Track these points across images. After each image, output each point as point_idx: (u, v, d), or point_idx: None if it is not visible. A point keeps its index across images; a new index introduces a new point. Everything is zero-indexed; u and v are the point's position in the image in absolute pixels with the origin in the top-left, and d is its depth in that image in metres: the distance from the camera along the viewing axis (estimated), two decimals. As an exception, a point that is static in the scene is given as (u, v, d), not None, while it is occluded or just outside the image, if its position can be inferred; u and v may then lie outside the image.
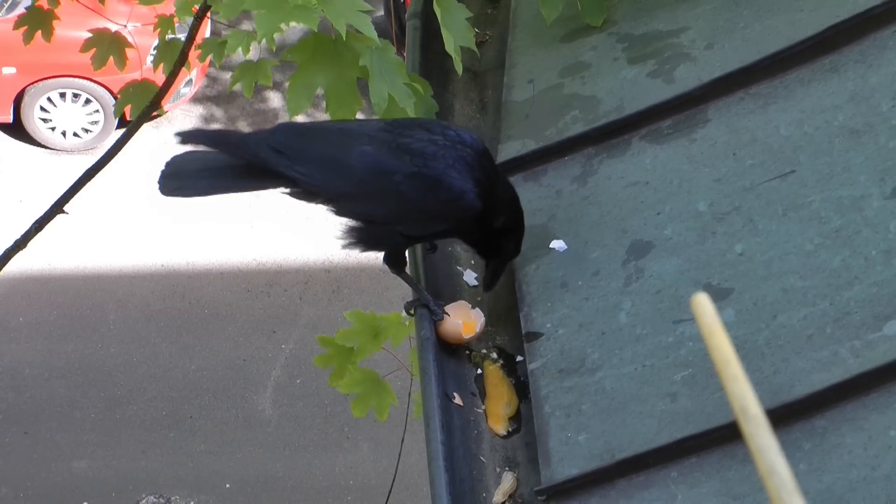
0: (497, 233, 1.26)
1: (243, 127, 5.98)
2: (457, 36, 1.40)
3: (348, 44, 1.33)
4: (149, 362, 4.81)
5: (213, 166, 1.25)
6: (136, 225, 5.35)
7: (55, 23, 2.29)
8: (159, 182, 1.24)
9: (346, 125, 1.27)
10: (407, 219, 1.23)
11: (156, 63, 2.32)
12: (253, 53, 2.28)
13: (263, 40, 1.35)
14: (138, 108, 2.25)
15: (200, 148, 1.25)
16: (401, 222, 1.23)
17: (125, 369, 4.78)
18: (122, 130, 5.69)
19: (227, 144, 1.23)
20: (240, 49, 2.30)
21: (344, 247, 1.25)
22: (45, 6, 2.24)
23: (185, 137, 1.24)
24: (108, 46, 2.27)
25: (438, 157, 1.20)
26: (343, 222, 1.25)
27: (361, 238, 1.24)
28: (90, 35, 2.30)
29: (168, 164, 1.25)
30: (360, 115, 1.54)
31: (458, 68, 1.42)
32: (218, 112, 6.06)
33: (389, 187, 1.20)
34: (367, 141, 1.21)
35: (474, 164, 1.21)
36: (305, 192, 1.23)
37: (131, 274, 5.18)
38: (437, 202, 1.21)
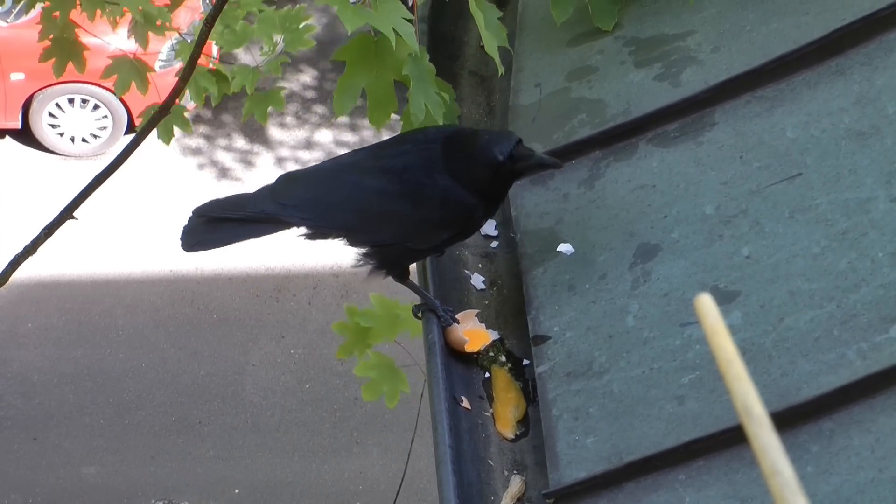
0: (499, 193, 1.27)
1: (246, 130, 6.02)
2: (493, 37, 1.42)
3: (388, 47, 1.36)
4: (157, 368, 4.84)
5: (228, 217, 1.32)
6: (144, 230, 5.40)
7: (85, 53, 2.29)
8: (181, 239, 1.31)
9: (340, 161, 1.34)
10: (413, 234, 1.27)
11: (177, 55, 2.38)
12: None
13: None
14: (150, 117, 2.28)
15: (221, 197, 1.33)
16: (409, 239, 1.27)
17: (134, 375, 4.81)
18: (130, 136, 5.73)
19: (239, 209, 1.30)
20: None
21: (368, 276, 1.31)
22: (74, 37, 2.24)
23: (201, 212, 1.32)
24: (128, 71, 2.31)
25: (410, 168, 1.24)
26: (357, 251, 1.30)
27: (379, 262, 1.29)
28: (110, 61, 2.33)
29: (189, 220, 1.32)
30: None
31: (500, 69, 1.45)
32: (225, 118, 6.11)
33: (386, 211, 1.25)
34: (357, 172, 1.27)
35: (438, 159, 1.23)
36: (318, 233, 1.30)
37: (140, 279, 5.22)
38: (431, 209, 1.24)
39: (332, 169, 1.32)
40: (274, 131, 6.04)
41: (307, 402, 4.74)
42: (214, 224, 1.31)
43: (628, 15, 1.55)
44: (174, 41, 5.14)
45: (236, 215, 1.29)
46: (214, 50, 4.21)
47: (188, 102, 5.64)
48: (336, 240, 1.30)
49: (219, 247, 1.31)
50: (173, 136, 2.32)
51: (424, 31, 1.67)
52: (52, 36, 2.21)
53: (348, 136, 6.10)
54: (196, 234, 1.30)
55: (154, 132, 2.20)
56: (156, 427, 4.63)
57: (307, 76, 6.27)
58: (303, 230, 1.29)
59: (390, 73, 1.41)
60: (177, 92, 2.08)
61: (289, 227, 1.30)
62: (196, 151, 5.93)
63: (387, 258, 1.29)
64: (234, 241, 1.31)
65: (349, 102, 1.41)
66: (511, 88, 1.57)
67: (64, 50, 2.23)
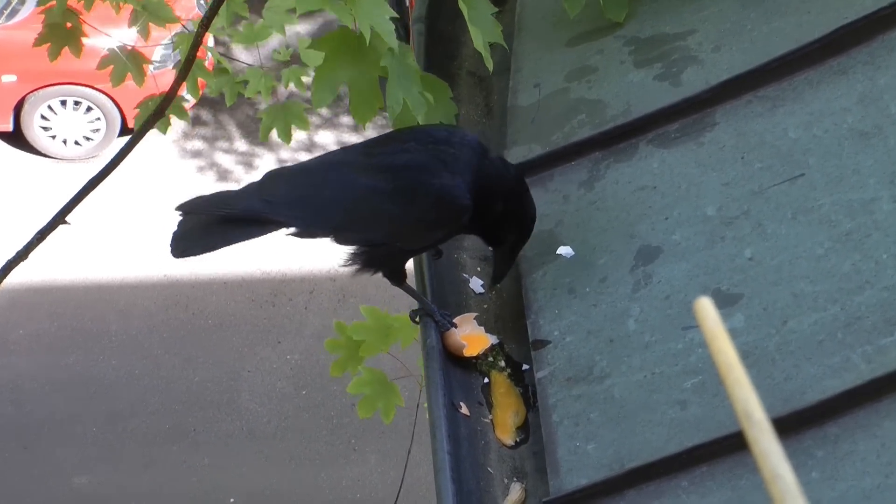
0: (499, 220, 1.26)
1: (247, 131, 6.03)
2: (484, 32, 1.42)
3: (371, 42, 1.36)
4: (151, 374, 4.84)
5: (218, 220, 1.29)
6: (137, 234, 5.40)
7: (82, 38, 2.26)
8: (170, 245, 1.29)
9: (330, 157, 1.31)
10: (404, 235, 1.25)
11: (175, 46, 2.36)
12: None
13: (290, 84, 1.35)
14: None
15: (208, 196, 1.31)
16: (399, 239, 1.25)
17: (127, 382, 4.81)
18: (124, 138, 5.74)
19: (224, 206, 1.28)
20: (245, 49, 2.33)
21: (354, 275, 1.28)
22: (68, 25, 2.22)
23: (185, 209, 1.29)
24: (124, 63, 2.29)
25: (410, 167, 1.21)
26: (345, 250, 1.28)
27: (367, 262, 1.27)
28: (105, 52, 2.31)
29: (178, 225, 1.30)
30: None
31: (489, 64, 1.44)
32: (225, 119, 6.12)
33: (376, 210, 1.22)
34: (347, 169, 1.24)
35: (451, 160, 1.21)
36: (306, 231, 1.27)
37: (133, 284, 5.22)
38: (426, 210, 1.21)
39: (320, 166, 1.29)
40: (275, 132, 6.04)
41: (304, 408, 4.74)
42: (204, 228, 1.29)
43: (628, 14, 1.56)
44: (167, 41, 5.15)
45: (222, 212, 1.27)
46: (211, 40, 4.20)
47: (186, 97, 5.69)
48: (325, 238, 1.27)
49: (209, 251, 1.29)
50: (170, 124, 2.29)
51: (421, 31, 1.68)
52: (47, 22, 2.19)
53: (350, 137, 6.10)
54: (186, 239, 1.29)
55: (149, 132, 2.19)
56: (149, 435, 4.62)
57: (307, 77, 6.28)
58: (291, 229, 1.27)
59: (374, 69, 1.40)
60: (175, 88, 2.07)
61: (277, 227, 1.27)
62: (196, 154, 5.94)
63: (376, 258, 1.27)
64: (225, 245, 1.29)
65: (328, 95, 1.40)
66: (510, 89, 1.57)
67: (59, 35, 2.18)
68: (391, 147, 1.25)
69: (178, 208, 1.29)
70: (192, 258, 1.31)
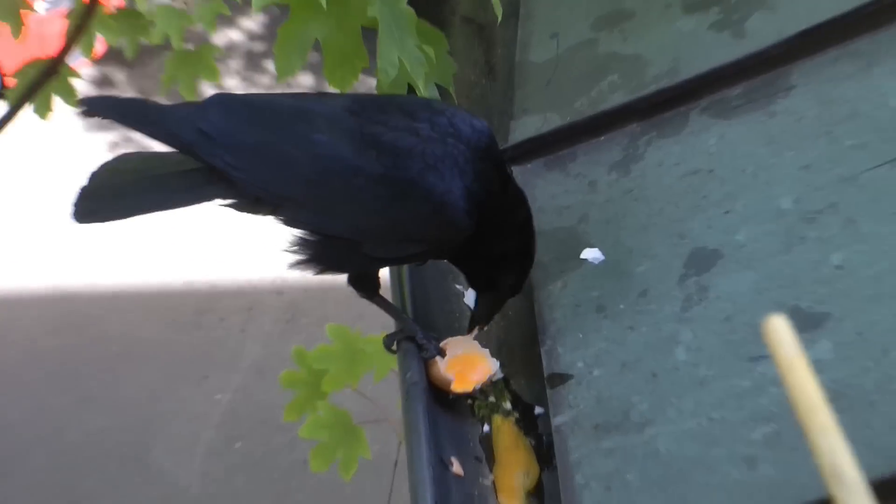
0: (496, 260, 1.27)
1: (175, 97, 6.03)
2: None
3: None
4: (34, 419, 4.82)
5: (139, 178, 1.24)
6: (20, 234, 5.37)
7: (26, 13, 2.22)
8: (74, 205, 1.22)
9: (303, 102, 1.26)
10: (372, 236, 1.22)
11: None
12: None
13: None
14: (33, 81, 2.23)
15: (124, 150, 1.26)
16: (364, 240, 1.22)
17: (2, 428, 4.78)
18: (3, 104, 5.74)
19: (141, 119, 1.22)
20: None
21: (292, 266, 1.24)
22: None
23: (89, 105, 1.22)
24: (2, 7, 2.25)
25: (415, 155, 1.18)
26: (293, 232, 1.24)
27: (316, 255, 1.24)
28: None
29: (90, 179, 1.24)
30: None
31: (498, 11, 1.44)
32: (145, 82, 6.11)
33: (347, 193, 1.18)
34: (326, 126, 1.20)
35: (467, 167, 1.20)
36: (249, 198, 1.22)
37: (12, 300, 5.20)
38: (410, 215, 1.19)
39: (287, 110, 1.23)
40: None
41: (238, 467, 4.73)
42: (119, 188, 1.23)
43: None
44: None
45: (137, 128, 1.21)
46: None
47: (78, 57, 5.69)
48: (269, 214, 1.22)
49: (121, 217, 1.22)
50: (51, 109, 2.27)
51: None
52: None
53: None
54: (94, 199, 1.22)
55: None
56: (30, 500, 4.60)
57: (254, 22, 6.29)
58: (228, 196, 1.22)
59: (356, 19, 1.40)
60: (67, 47, 2.05)
61: (213, 195, 1.21)
62: (105, 125, 5.93)
63: (326, 254, 1.23)
64: (142, 212, 1.22)
65: (296, 60, 1.40)
66: (518, 40, 1.59)
67: None
68: (395, 119, 1.21)
69: (81, 102, 1.22)
70: (94, 224, 1.23)
